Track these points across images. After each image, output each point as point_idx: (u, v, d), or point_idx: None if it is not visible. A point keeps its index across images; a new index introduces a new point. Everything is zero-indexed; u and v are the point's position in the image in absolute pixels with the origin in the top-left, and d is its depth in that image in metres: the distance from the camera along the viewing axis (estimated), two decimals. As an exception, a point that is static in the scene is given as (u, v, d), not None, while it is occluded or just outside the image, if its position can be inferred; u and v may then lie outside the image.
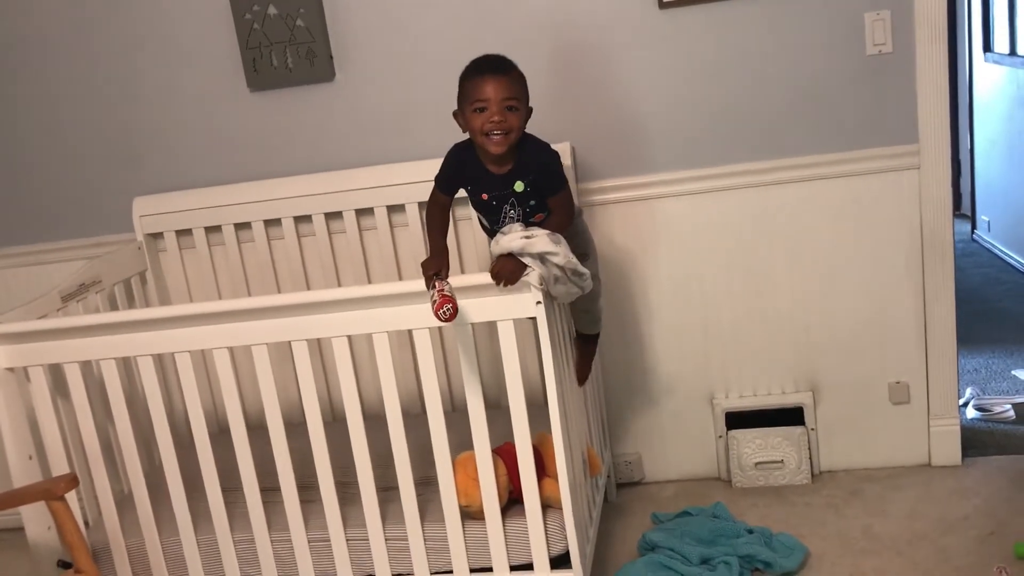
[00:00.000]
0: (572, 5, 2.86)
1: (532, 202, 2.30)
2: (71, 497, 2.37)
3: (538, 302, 2.18)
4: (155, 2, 3.03)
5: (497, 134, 2.20)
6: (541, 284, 2.17)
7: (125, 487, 2.74)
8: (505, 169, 2.27)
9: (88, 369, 2.57)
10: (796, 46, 2.81)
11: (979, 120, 5.58)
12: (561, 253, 2.19)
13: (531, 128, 2.30)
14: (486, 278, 2.19)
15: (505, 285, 2.17)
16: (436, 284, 2.14)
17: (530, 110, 2.29)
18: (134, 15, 3.06)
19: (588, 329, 2.67)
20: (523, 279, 2.17)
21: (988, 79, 5.37)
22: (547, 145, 2.33)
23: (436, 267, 2.21)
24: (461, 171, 2.33)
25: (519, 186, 2.27)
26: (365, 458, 2.37)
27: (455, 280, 2.19)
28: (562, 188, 2.32)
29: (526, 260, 2.18)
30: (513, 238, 2.20)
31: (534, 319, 2.21)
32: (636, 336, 3.10)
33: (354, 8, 2.95)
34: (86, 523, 2.64)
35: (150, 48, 3.08)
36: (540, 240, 2.18)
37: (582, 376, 2.69)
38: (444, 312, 2.08)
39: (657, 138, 2.93)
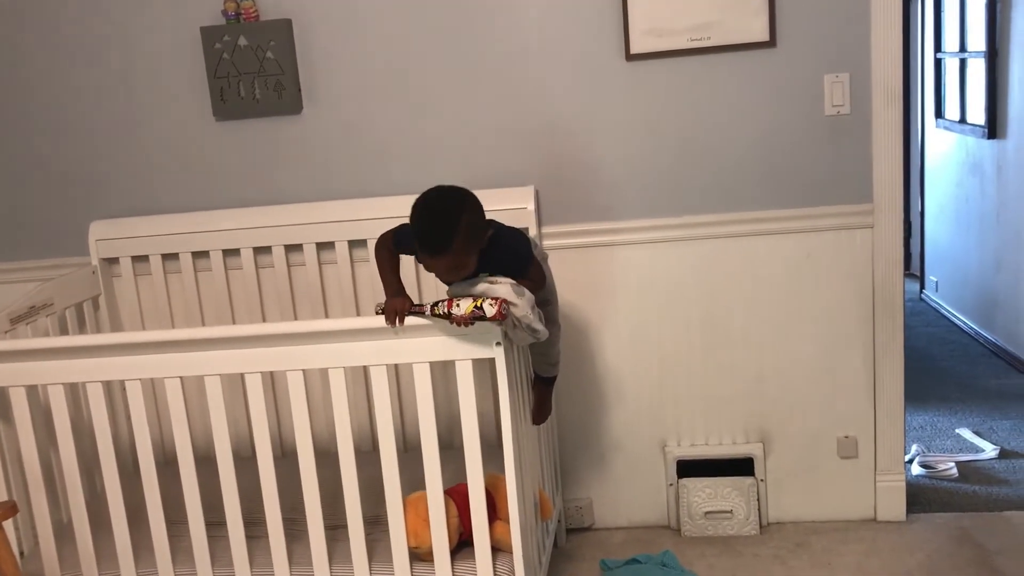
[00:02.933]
0: (540, 52, 2.90)
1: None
2: (7, 525, 2.30)
3: (497, 343, 2.18)
4: (124, 26, 3.02)
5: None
6: (501, 323, 2.16)
7: (64, 516, 2.67)
8: None
9: (33, 393, 2.51)
10: (758, 103, 2.88)
11: (930, 183, 5.73)
12: (521, 305, 2.16)
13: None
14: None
15: (463, 326, 2.15)
16: (456, 304, 2.12)
17: (488, 225, 2.22)
18: (102, 37, 3.04)
19: (545, 372, 2.67)
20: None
21: (939, 144, 5.53)
22: (520, 238, 2.33)
23: (407, 302, 2.20)
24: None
25: (483, 276, 2.23)
26: (314, 495, 2.33)
27: (412, 320, 2.18)
28: (528, 268, 2.30)
29: (486, 304, 2.16)
30: (475, 280, 2.19)
31: (492, 360, 2.20)
32: (591, 381, 3.11)
33: (325, 43, 2.97)
34: (21, 553, 2.56)
35: (116, 72, 3.06)
36: (503, 287, 2.16)
37: (539, 417, 2.69)
38: (505, 308, 2.09)
39: (619, 186, 2.97)
